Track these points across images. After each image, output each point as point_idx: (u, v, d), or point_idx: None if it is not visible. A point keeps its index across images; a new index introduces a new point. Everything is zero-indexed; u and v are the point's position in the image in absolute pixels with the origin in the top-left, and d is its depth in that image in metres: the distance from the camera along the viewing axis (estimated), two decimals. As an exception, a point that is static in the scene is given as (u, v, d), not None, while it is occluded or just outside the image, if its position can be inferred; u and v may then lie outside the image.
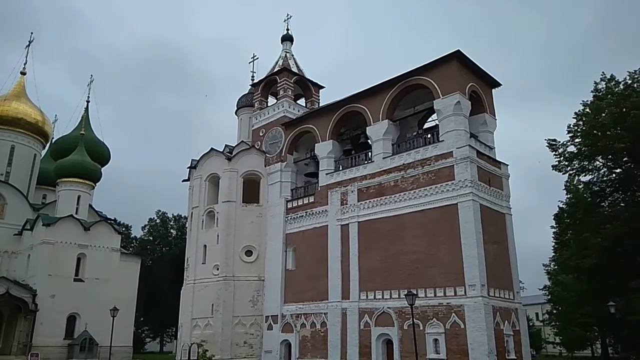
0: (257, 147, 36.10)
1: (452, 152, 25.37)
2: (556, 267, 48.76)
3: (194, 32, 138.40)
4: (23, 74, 52.62)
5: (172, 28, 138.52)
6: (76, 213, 43.73)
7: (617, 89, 30.88)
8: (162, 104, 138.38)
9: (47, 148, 54.23)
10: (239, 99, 40.80)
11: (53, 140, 54.05)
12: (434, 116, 29.07)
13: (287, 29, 40.58)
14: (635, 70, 30.48)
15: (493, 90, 29.75)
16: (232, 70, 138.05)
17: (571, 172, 33.41)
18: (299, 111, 36.30)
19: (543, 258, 53.84)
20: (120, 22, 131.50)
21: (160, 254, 69.92)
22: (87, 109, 53.02)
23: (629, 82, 30.58)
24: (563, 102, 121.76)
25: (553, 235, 41.31)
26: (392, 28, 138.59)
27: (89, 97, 53.44)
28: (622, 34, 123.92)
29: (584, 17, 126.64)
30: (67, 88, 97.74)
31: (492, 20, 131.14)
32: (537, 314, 73.28)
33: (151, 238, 71.54)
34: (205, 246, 33.73)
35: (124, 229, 63.77)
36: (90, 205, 47.23)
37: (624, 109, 29.10)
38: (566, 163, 32.79)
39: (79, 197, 44.67)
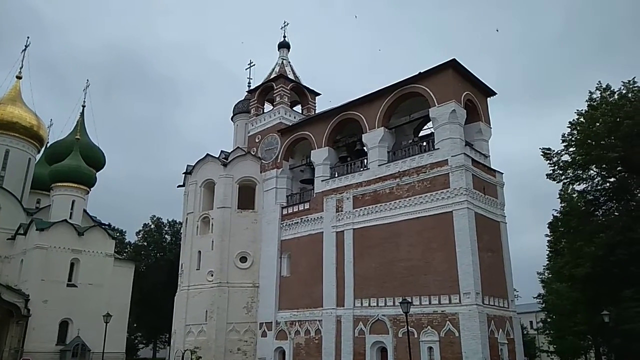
0: (253, 154, 36.11)
1: (447, 160, 25.47)
2: (550, 275, 48.82)
3: (158, 37, 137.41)
4: (19, 78, 52.39)
5: (135, 33, 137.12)
6: (70, 218, 43.47)
7: (611, 99, 31.13)
8: (130, 109, 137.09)
9: (41, 152, 54.01)
10: (235, 105, 40.83)
11: (48, 145, 53.87)
12: (430, 124, 29.14)
13: (284, 36, 40.93)
14: (629, 80, 30.77)
15: (488, 99, 29.98)
16: (198, 75, 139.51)
17: (565, 180, 33.58)
18: (295, 118, 36.42)
19: (538, 266, 53.93)
20: (84, 25, 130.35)
21: (155, 260, 69.31)
22: (82, 113, 53.04)
23: (624, 92, 30.85)
24: (534, 108, 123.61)
25: (547, 244, 41.42)
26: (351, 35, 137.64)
27: (84, 101, 53.52)
28: (590, 40, 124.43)
29: (555, 22, 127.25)
30: (31, 91, 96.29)
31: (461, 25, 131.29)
32: (531, 322, 73.20)
33: (145, 244, 70.99)
34: (199, 252, 33.63)
35: (118, 234, 63.41)
36: (85, 210, 47.03)
37: (618, 119, 29.33)
38: (560, 172, 32.98)
39: (73, 202, 44.39)
